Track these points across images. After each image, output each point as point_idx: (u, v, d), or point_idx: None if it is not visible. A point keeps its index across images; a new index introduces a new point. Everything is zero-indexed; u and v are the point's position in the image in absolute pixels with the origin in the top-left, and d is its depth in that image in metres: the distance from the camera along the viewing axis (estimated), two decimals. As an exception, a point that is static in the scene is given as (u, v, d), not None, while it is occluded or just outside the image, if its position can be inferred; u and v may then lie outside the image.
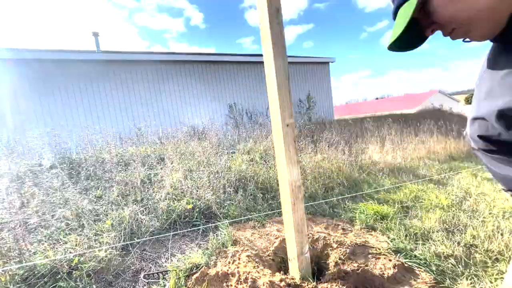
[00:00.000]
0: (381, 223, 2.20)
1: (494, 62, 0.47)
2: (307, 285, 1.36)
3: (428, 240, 1.88)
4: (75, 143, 3.97)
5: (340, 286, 1.36)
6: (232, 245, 1.87)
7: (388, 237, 1.94)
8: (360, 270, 1.48)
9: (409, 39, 0.50)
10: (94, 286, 1.51)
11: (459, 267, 1.54)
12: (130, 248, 1.88)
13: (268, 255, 1.76)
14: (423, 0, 0.45)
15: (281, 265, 1.70)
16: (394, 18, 0.50)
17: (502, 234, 1.82)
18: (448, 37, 0.50)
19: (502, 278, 1.43)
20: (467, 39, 0.48)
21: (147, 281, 1.59)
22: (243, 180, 2.95)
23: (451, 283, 1.44)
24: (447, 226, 2.06)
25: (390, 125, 5.60)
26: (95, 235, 1.93)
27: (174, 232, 2.10)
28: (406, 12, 0.46)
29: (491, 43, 0.49)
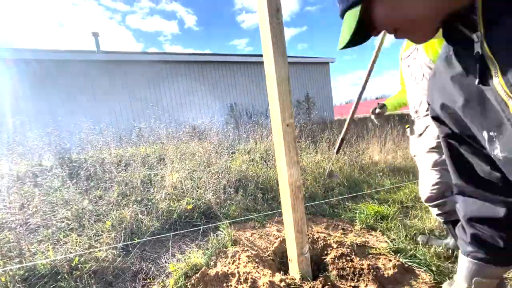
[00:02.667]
0: (381, 223, 2.19)
1: (448, 61, 0.53)
2: (307, 285, 1.35)
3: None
4: (75, 143, 3.97)
5: (340, 286, 1.36)
6: (232, 245, 1.87)
7: (388, 237, 1.94)
8: (359, 270, 1.48)
9: (358, 39, 0.53)
10: (94, 287, 1.51)
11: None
12: (130, 248, 1.88)
13: (268, 255, 1.76)
14: (365, 9, 0.48)
15: (281, 265, 1.70)
16: (342, 18, 0.53)
17: (502, 234, 1.82)
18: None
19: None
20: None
21: (147, 281, 1.60)
22: (243, 180, 2.95)
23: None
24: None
25: (392, 125, 5.58)
26: (96, 235, 1.93)
27: (174, 232, 2.10)
28: (351, 19, 0.48)
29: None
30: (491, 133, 0.45)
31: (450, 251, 1.69)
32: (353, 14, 0.48)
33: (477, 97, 0.45)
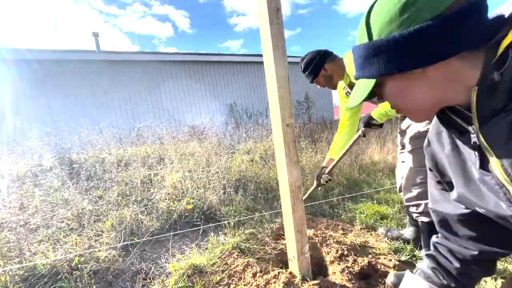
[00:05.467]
0: (381, 223, 2.19)
1: (439, 137, 0.62)
2: (307, 285, 1.35)
3: (428, 240, 1.87)
4: (75, 143, 3.97)
5: (340, 286, 1.36)
6: (232, 245, 1.87)
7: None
8: (360, 270, 1.48)
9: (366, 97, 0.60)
10: (94, 287, 1.51)
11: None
12: (130, 248, 1.88)
13: (268, 255, 1.76)
14: (378, 83, 0.53)
15: (281, 265, 1.70)
16: (356, 80, 0.59)
17: (502, 234, 1.82)
18: None
19: (502, 278, 1.43)
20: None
21: (147, 281, 1.60)
22: (243, 180, 2.95)
23: (451, 283, 1.43)
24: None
25: (392, 126, 5.59)
26: (95, 235, 1.93)
27: (174, 232, 2.10)
28: (365, 86, 0.54)
29: None
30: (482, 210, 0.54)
31: None
32: (367, 84, 0.53)
33: (472, 181, 0.54)
